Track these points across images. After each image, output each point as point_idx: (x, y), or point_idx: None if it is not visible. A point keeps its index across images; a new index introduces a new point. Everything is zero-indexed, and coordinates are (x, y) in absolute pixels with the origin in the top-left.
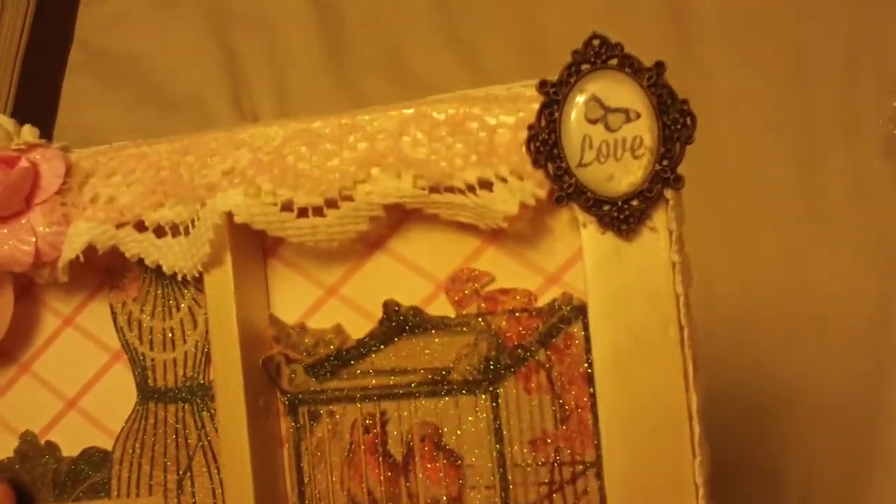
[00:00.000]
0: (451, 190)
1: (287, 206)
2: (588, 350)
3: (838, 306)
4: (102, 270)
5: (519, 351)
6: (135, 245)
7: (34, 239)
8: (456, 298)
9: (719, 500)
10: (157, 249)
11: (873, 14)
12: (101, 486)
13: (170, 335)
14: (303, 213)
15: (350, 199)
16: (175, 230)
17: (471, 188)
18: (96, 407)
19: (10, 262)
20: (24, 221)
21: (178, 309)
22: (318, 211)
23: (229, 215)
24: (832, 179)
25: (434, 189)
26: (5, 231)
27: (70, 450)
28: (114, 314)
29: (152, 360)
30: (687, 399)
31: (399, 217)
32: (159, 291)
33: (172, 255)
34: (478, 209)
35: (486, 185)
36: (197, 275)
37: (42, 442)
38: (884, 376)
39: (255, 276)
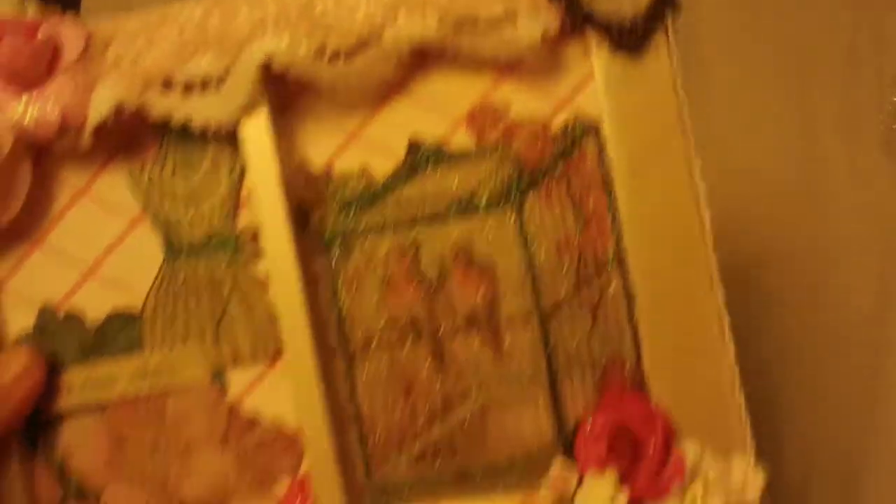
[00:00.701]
0: (474, 25)
1: (319, 53)
2: (601, 163)
3: (837, 301)
4: (117, 137)
5: (538, 171)
6: (162, 104)
7: (59, 106)
8: (476, 131)
9: None
10: (186, 106)
11: (873, 8)
12: (132, 342)
13: (193, 193)
14: (333, 58)
15: (378, 42)
16: (204, 85)
17: (494, 23)
18: (119, 271)
19: (35, 131)
20: (47, 90)
21: (201, 166)
22: (349, 56)
23: (265, 65)
24: (832, 174)
25: (458, 26)
26: (29, 100)
27: (94, 317)
28: (132, 179)
29: (177, 219)
30: (695, 193)
31: (416, 60)
32: (178, 152)
33: (204, 110)
34: (501, 42)
35: (511, 16)
36: (231, 127)
37: (62, 313)
38: (882, 369)
39: (283, 124)
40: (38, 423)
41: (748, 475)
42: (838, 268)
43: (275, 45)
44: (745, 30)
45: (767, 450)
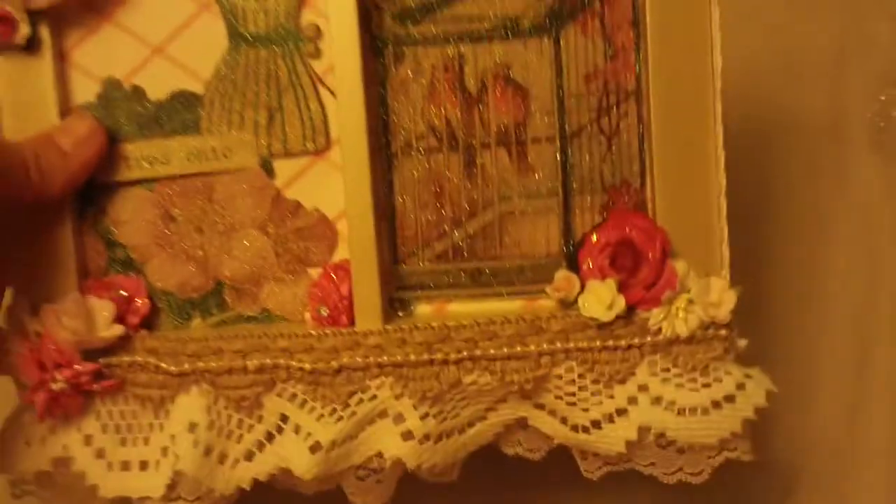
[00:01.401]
0: None
1: None
2: (633, 4)
3: (825, 299)
4: None
5: (578, 2)
6: None
7: None
8: None
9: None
10: None
11: (861, 6)
12: (190, 123)
13: None
14: None
15: None
16: None
17: None
18: (184, 53)
19: None
20: None
21: None
22: None
23: None
24: (819, 171)
25: None
26: None
27: (157, 94)
28: None
29: (243, 7)
30: (711, 41)
31: None
32: None
33: None
34: None
35: None
36: None
37: (126, 87)
38: (869, 365)
39: None
40: (90, 191)
41: (723, 294)
42: (826, 265)
43: None
44: (733, 28)
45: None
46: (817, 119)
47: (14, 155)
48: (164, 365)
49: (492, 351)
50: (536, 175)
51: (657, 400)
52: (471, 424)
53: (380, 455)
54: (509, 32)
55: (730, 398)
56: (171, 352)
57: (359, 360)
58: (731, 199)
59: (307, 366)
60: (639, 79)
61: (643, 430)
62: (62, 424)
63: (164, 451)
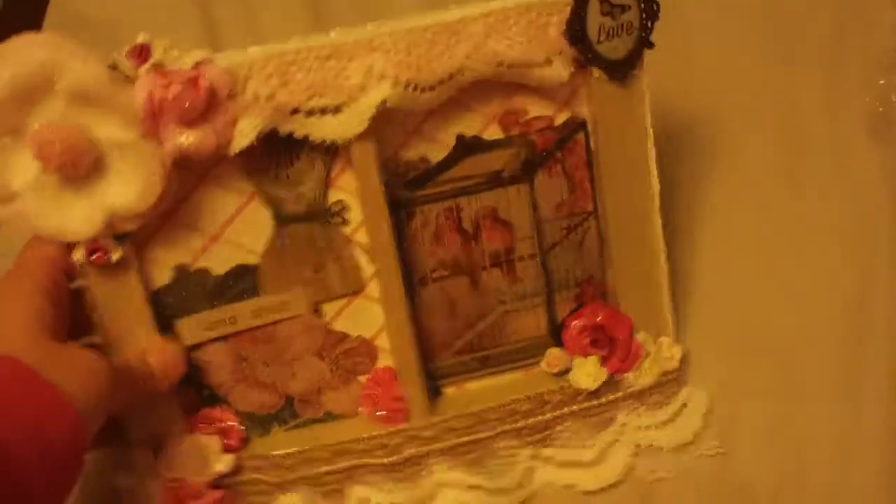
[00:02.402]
0: (526, 67)
1: (413, 90)
2: (587, 149)
3: (819, 284)
4: None
5: (545, 153)
6: (288, 125)
7: (214, 136)
8: (503, 126)
9: None
10: (308, 125)
11: None
12: (249, 290)
13: (295, 177)
14: (423, 91)
15: (451, 80)
16: (323, 111)
17: (537, 65)
18: (238, 235)
19: (195, 154)
20: (206, 124)
21: (300, 158)
22: (431, 89)
23: (382, 102)
24: (817, 156)
25: (511, 67)
26: (194, 132)
27: (219, 270)
28: (246, 167)
29: (282, 196)
30: (651, 171)
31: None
32: (283, 148)
33: (325, 130)
34: (542, 77)
35: (548, 61)
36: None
37: (192, 269)
38: (863, 352)
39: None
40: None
41: (672, 350)
42: (821, 249)
43: (388, 90)
44: (731, 10)
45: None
46: (816, 103)
47: (126, 378)
48: (266, 478)
49: (515, 425)
50: (524, 283)
51: (637, 428)
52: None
53: None
54: (494, 184)
55: (681, 411)
56: (273, 466)
57: (419, 449)
58: (729, 181)
59: (379, 461)
60: (594, 202)
61: (633, 454)
62: None
63: None
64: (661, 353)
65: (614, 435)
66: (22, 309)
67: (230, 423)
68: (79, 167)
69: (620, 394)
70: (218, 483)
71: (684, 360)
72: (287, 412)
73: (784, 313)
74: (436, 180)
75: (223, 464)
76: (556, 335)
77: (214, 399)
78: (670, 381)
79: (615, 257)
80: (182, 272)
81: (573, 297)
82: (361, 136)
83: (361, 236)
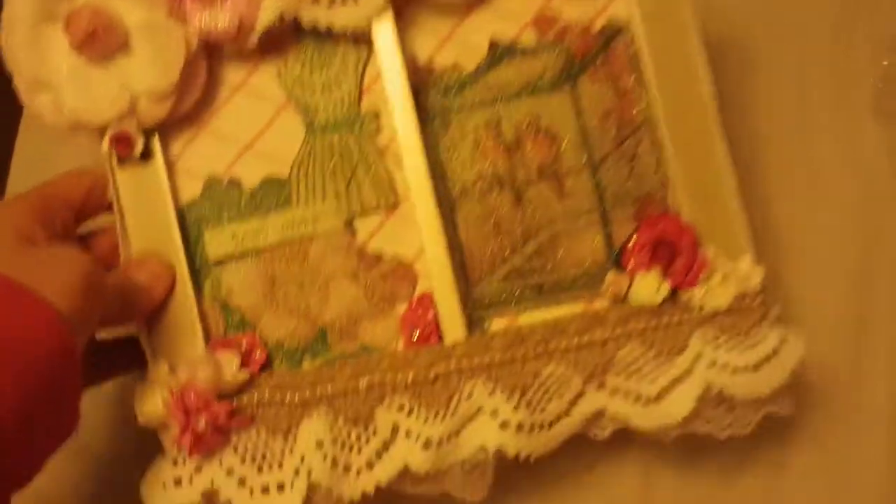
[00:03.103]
0: None
1: None
2: (631, 53)
3: (822, 264)
4: (270, 42)
5: (585, 61)
6: (311, 13)
7: (236, 16)
8: (538, 32)
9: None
10: (330, 15)
11: None
12: (281, 201)
13: (327, 84)
14: None
15: None
16: (344, 0)
17: None
18: (270, 146)
19: (216, 35)
20: (227, 3)
21: (333, 63)
22: None
23: None
24: (821, 136)
25: None
26: (212, 11)
27: (250, 182)
28: (279, 76)
29: (314, 105)
30: (701, 68)
31: None
32: (315, 50)
33: (343, 17)
34: None
35: None
36: (364, 30)
37: (224, 181)
38: (866, 331)
39: (399, 26)
40: (205, 269)
41: (751, 270)
42: (824, 230)
43: None
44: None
45: None
46: (819, 83)
47: (114, 289)
48: (288, 396)
49: (563, 343)
50: (574, 199)
51: (712, 364)
52: (558, 419)
53: (483, 448)
54: (534, 91)
55: (771, 357)
56: (291, 385)
57: (451, 367)
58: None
59: (409, 376)
60: (645, 111)
61: (705, 392)
62: (206, 462)
63: (297, 471)
64: (736, 271)
65: (685, 367)
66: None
67: (256, 351)
68: (105, 42)
69: (688, 315)
70: (231, 400)
71: (771, 290)
72: (319, 344)
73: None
74: (471, 88)
75: (237, 378)
76: (615, 259)
77: (242, 325)
78: (752, 312)
79: (674, 172)
80: (212, 183)
81: (631, 216)
82: (385, 28)
83: (396, 148)
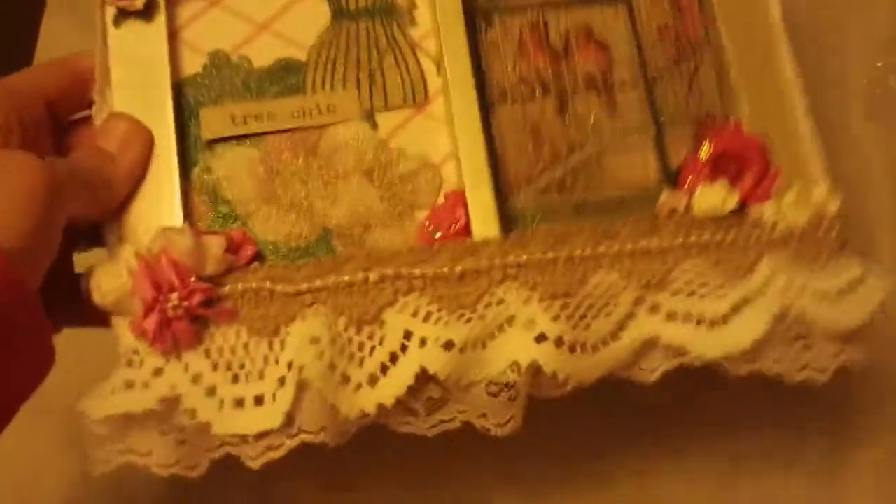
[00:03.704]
0: None
1: None
2: None
3: None
4: None
5: None
6: None
7: None
8: None
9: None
10: None
11: None
12: (294, 86)
13: None
14: None
15: None
16: None
17: None
18: (289, 28)
19: None
20: None
21: None
22: None
23: None
24: None
25: None
26: None
27: (262, 62)
28: None
29: None
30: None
31: None
32: None
33: None
34: None
35: None
36: None
37: (233, 57)
38: None
39: None
40: (195, 150)
41: (828, 194)
42: None
43: None
44: None
45: None
46: (813, 85)
47: (81, 176)
48: (279, 287)
49: (615, 248)
50: (625, 116)
51: (789, 285)
52: (604, 343)
53: (515, 364)
54: (586, 1)
55: (856, 286)
56: (285, 277)
57: (482, 263)
58: None
59: (430, 271)
60: (706, 30)
61: (779, 316)
62: (169, 364)
63: (281, 380)
64: (814, 194)
65: (757, 286)
66: None
67: (246, 246)
68: None
69: (759, 232)
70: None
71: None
72: (321, 249)
73: None
74: None
75: (222, 260)
76: (672, 179)
77: (231, 219)
78: (830, 240)
79: (740, 95)
80: (218, 59)
81: (690, 137)
82: None
83: (430, 45)
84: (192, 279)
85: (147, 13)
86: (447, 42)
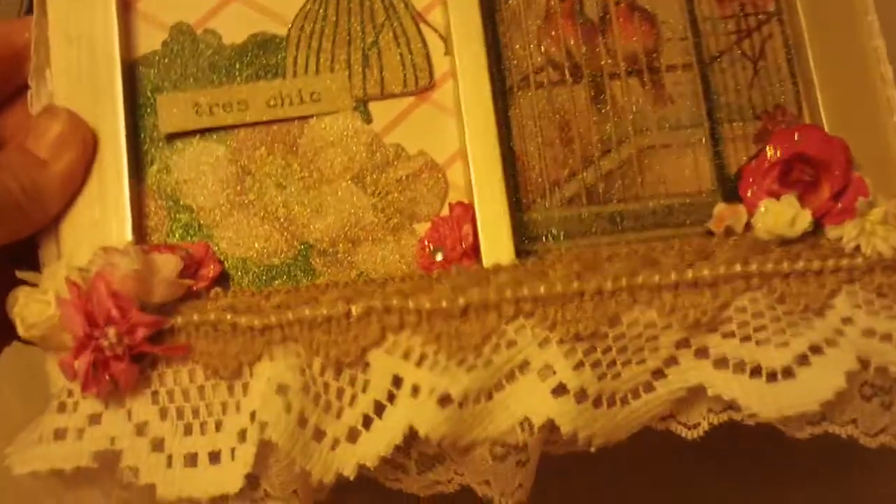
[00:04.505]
0: None
1: None
2: None
3: None
4: None
5: None
6: None
7: None
8: None
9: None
10: None
11: None
12: (272, 67)
13: None
14: None
15: None
16: None
17: None
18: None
19: None
20: None
21: None
22: None
23: None
24: None
25: None
26: None
27: (233, 37)
28: None
29: None
30: None
31: None
32: None
33: None
34: None
35: None
36: None
37: (198, 31)
38: None
39: None
40: (150, 146)
41: None
42: None
43: None
44: None
45: None
46: None
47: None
48: (243, 320)
49: (656, 279)
50: (676, 104)
51: (868, 332)
52: (635, 395)
53: (526, 421)
54: None
55: None
56: (251, 308)
57: (491, 295)
58: None
59: (426, 305)
60: (778, 3)
61: (856, 372)
62: (108, 410)
63: (242, 435)
64: None
65: (829, 331)
66: None
67: (207, 266)
68: None
69: (841, 263)
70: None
71: None
72: (299, 267)
73: None
74: None
75: (174, 285)
76: (728, 190)
77: (192, 230)
78: None
79: (817, 84)
80: (180, 33)
81: (752, 135)
82: None
83: (436, 17)
84: (136, 311)
85: None
86: (457, 12)
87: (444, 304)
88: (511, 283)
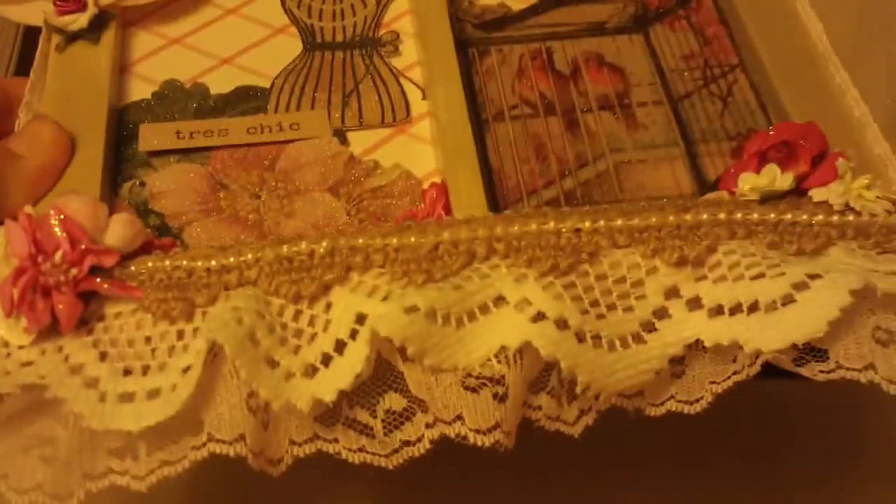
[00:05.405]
0: None
1: None
2: (717, 7)
3: None
4: None
5: (661, 11)
6: None
7: None
8: None
9: None
10: None
11: None
12: (255, 110)
13: (339, 10)
14: None
15: None
16: None
17: None
18: (255, 61)
19: None
20: None
21: None
22: None
23: None
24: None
25: None
26: None
27: (220, 89)
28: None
29: (321, 27)
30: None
31: None
32: None
33: None
34: None
35: None
36: None
37: (187, 85)
38: None
39: None
40: (126, 166)
41: None
42: None
43: None
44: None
45: None
46: None
47: None
48: (199, 263)
49: (636, 220)
50: (649, 130)
51: (871, 271)
52: (624, 343)
53: (502, 352)
54: (595, 32)
55: None
56: (208, 255)
57: (462, 235)
58: None
59: (394, 241)
60: (739, 55)
61: (860, 290)
62: (44, 358)
63: (186, 370)
64: (887, 177)
65: (826, 264)
66: None
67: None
68: None
69: (826, 212)
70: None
71: None
72: None
73: None
74: (518, 25)
75: (122, 241)
76: (706, 192)
77: (161, 231)
78: None
79: (790, 109)
80: (170, 86)
81: (728, 152)
82: None
83: (416, 74)
84: (87, 240)
85: (92, 32)
86: (436, 67)
87: (412, 239)
88: (483, 224)
